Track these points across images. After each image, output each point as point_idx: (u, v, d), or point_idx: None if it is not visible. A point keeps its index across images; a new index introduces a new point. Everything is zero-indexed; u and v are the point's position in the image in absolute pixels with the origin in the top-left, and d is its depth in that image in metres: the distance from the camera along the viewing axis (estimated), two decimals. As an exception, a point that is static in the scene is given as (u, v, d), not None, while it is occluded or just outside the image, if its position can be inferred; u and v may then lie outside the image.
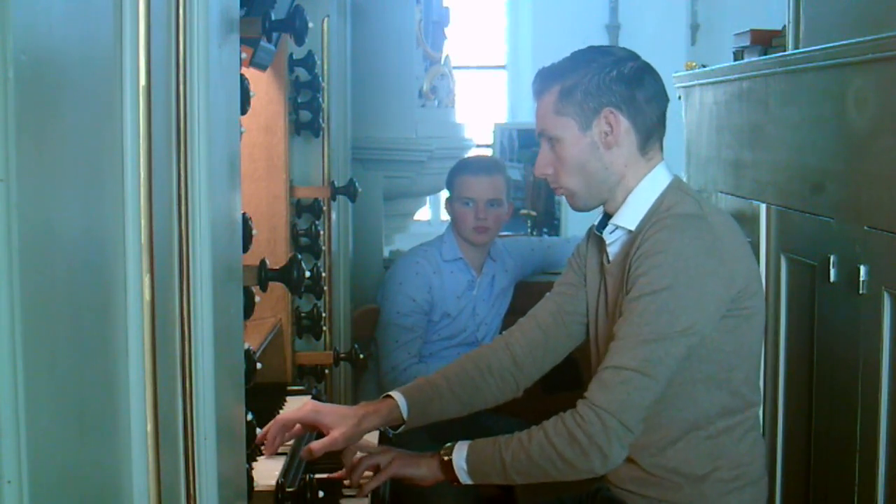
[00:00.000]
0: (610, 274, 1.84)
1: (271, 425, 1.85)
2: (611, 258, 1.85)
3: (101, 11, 0.80)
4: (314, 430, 1.88)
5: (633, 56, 1.82)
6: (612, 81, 1.77)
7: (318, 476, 1.72)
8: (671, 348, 1.64)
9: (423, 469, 1.79)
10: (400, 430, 1.91)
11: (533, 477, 1.71)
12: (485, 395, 1.98)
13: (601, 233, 1.86)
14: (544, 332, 1.98)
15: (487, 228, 2.98)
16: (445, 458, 1.75)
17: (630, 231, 1.79)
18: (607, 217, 1.86)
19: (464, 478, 1.75)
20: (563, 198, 1.92)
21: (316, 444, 1.80)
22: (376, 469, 1.81)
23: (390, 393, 1.91)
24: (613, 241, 1.84)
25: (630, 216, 1.80)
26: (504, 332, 2.06)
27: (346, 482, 1.82)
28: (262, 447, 1.85)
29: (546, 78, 1.84)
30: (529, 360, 1.98)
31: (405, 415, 1.88)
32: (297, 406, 1.92)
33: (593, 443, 1.63)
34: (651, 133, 1.81)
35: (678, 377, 1.70)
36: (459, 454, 1.74)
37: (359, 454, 1.85)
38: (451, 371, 1.98)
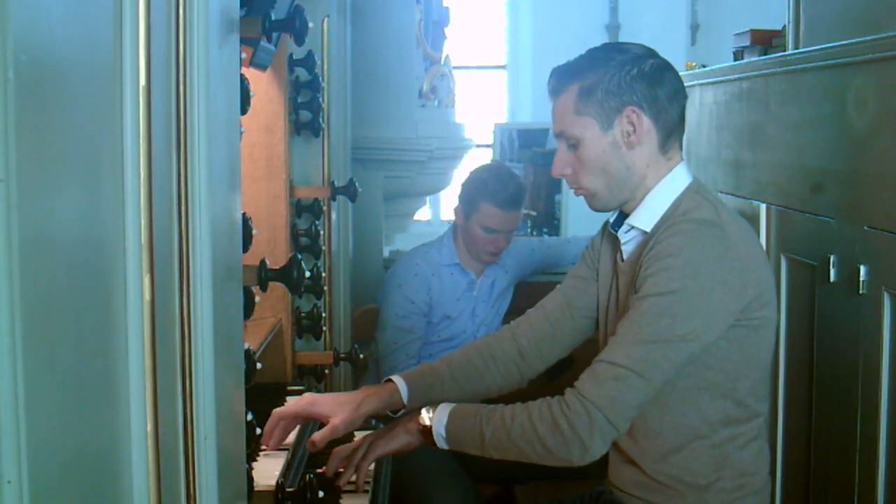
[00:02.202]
0: (622, 273, 1.83)
1: (269, 421, 1.85)
2: (624, 257, 1.83)
3: (101, 11, 0.80)
4: (314, 420, 1.88)
5: (652, 53, 1.80)
6: (633, 79, 1.74)
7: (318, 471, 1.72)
8: (668, 352, 1.63)
9: (402, 438, 1.79)
10: (399, 414, 1.90)
11: (510, 455, 1.70)
12: (487, 383, 1.97)
13: (616, 231, 1.85)
14: (552, 324, 1.97)
15: (500, 251, 2.99)
16: (425, 424, 1.75)
17: (645, 232, 1.77)
18: (623, 215, 1.84)
19: (441, 444, 1.75)
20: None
21: (317, 435, 1.79)
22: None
23: (391, 377, 1.90)
24: (628, 241, 1.82)
25: (646, 217, 1.78)
26: (511, 322, 2.04)
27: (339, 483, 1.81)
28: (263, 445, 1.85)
29: (563, 77, 1.80)
30: (535, 352, 1.97)
31: (405, 399, 1.87)
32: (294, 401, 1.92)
33: (576, 434, 1.61)
34: (672, 131, 1.78)
35: (683, 383, 1.69)
36: (439, 421, 1.74)
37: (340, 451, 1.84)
38: (455, 358, 1.97)
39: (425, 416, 1.76)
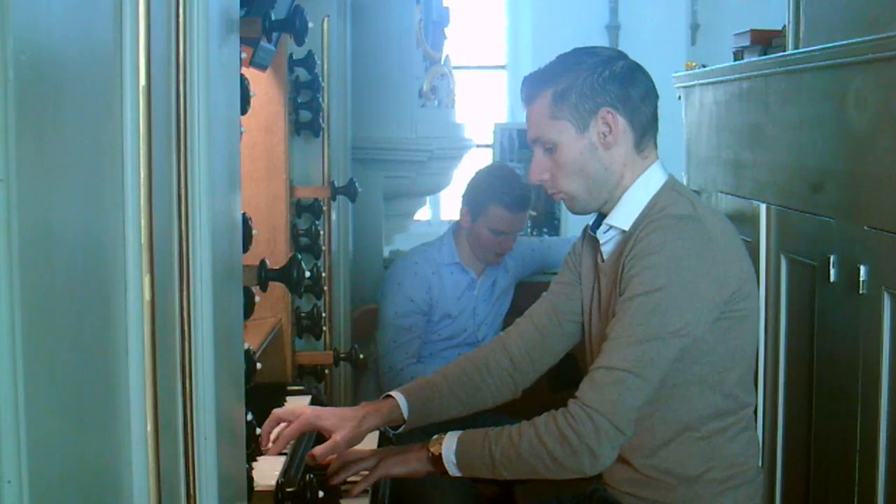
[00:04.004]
0: (604, 273, 1.84)
1: (271, 434, 1.85)
2: (605, 257, 1.84)
3: (101, 11, 0.80)
4: (316, 431, 1.89)
5: (621, 55, 1.83)
6: (605, 81, 1.76)
7: (315, 471, 1.72)
8: (663, 349, 1.64)
9: (411, 465, 1.79)
10: (400, 429, 1.91)
11: (522, 473, 1.70)
12: (484, 395, 1.98)
13: (595, 233, 1.86)
14: (540, 332, 1.98)
15: (507, 251, 3.00)
16: (435, 452, 1.75)
17: (624, 231, 1.79)
18: (601, 217, 1.86)
19: (453, 470, 1.74)
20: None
21: (318, 450, 1.80)
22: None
23: (391, 393, 1.91)
24: (607, 241, 1.84)
25: (624, 216, 1.79)
26: (501, 333, 2.06)
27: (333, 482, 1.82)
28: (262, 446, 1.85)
29: (536, 83, 1.82)
30: (527, 361, 1.98)
31: (406, 415, 1.88)
32: (295, 406, 1.92)
33: (584, 443, 1.62)
34: (646, 130, 1.80)
35: (671, 379, 1.69)
36: (448, 447, 1.74)
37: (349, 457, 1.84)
38: (451, 371, 1.98)
39: (434, 446, 1.76)
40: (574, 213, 1.88)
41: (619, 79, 1.77)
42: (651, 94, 1.81)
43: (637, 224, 1.76)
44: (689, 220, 1.70)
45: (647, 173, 1.80)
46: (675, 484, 1.76)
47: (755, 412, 1.92)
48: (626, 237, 1.76)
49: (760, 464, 1.87)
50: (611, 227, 1.82)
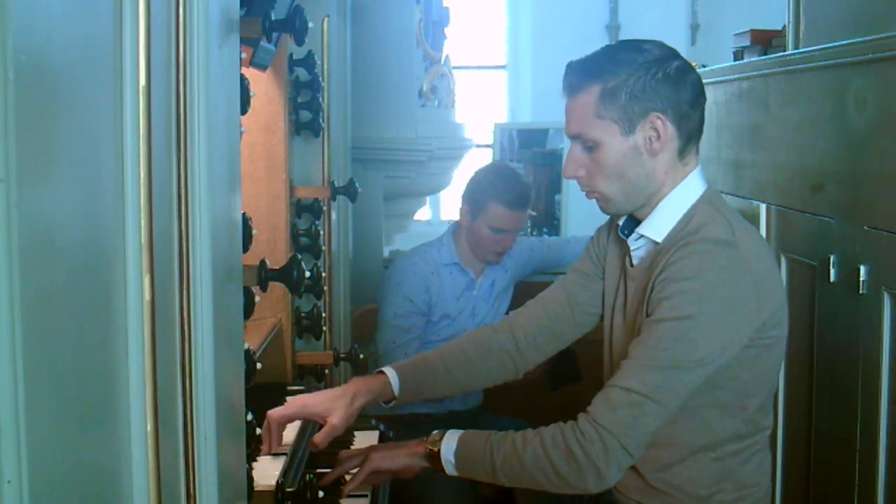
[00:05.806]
0: (632, 278, 1.78)
1: (265, 428, 1.84)
2: (635, 262, 1.78)
3: (101, 11, 0.80)
4: (310, 420, 1.88)
5: (674, 53, 1.73)
6: (658, 83, 1.66)
7: (318, 471, 1.72)
8: (685, 377, 1.58)
9: (401, 461, 1.75)
10: (391, 405, 1.89)
11: (522, 483, 1.66)
12: (482, 376, 1.95)
13: (626, 236, 1.79)
14: (551, 319, 1.94)
15: (506, 251, 3.01)
16: (433, 449, 1.71)
17: (656, 242, 1.73)
18: (631, 218, 1.79)
19: (450, 469, 1.70)
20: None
21: (318, 437, 1.79)
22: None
23: (383, 368, 1.90)
24: (638, 248, 1.78)
25: (657, 227, 1.72)
26: (510, 314, 2.02)
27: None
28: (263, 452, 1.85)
29: (583, 75, 1.71)
30: (532, 345, 1.95)
31: (396, 391, 1.87)
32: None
33: (591, 462, 1.57)
34: (691, 137, 1.72)
35: (692, 401, 1.65)
36: (448, 446, 1.70)
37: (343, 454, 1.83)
38: (449, 350, 1.95)
39: (433, 443, 1.72)
40: (607, 213, 1.82)
41: (672, 82, 1.67)
42: (701, 99, 1.72)
43: (671, 238, 1.69)
44: (726, 245, 1.63)
45: (685, 182, 1.72)
46: (684, 501, 1.73)
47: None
48: (659, 248, 1.70)
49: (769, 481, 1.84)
50: (642, 236, 1.76)
